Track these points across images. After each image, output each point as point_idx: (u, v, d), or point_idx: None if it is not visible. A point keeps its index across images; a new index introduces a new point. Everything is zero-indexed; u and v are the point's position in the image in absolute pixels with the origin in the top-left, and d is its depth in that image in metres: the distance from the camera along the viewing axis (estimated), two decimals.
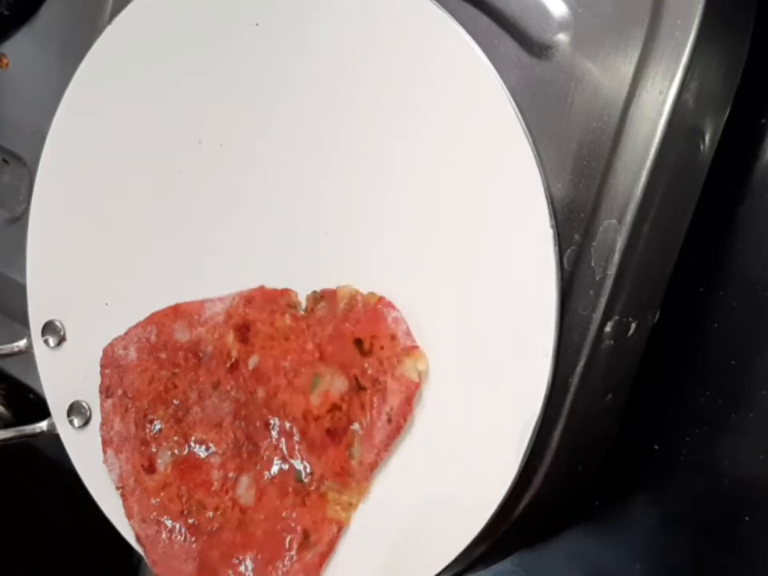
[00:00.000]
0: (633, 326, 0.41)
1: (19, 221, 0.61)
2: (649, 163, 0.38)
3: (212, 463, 0.46)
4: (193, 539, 0.46)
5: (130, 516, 0.48)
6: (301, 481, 0.43)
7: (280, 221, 0.45)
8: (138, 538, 0.48)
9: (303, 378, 0.43)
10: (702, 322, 0.46)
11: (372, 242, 0.43)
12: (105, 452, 0.49)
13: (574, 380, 0.40)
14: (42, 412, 0.53)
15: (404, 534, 0.42)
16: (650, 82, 0.38)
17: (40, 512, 0.59)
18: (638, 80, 0.38)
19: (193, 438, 0.46)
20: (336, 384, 0.42)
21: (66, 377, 0.51)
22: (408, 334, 0.41)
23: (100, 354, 0.50)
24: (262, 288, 0.45)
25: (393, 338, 0.41)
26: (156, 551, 0.47)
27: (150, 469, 0.47)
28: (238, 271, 0.46)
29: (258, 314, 0.45)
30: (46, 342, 0.52)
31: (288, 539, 0.44)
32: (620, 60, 0.38)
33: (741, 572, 0.46)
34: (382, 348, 0.41)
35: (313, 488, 0.43)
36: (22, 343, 0.54)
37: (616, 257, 0.38)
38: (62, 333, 0.52)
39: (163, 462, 0.47)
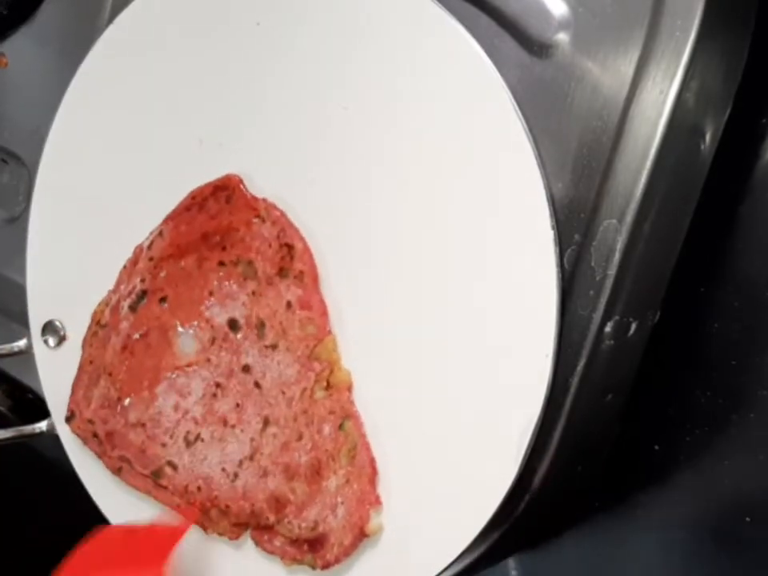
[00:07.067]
0: (633, 326, 0.41)
1: (18, 221, 0.61)
2: (649, 163, 0.38)
3: None
4: None
5: None
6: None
7: None
8: None
9: None
10: (702, 322, 0.45)
11: (369, 242, 0.43)
12: None
13: (574, 380, 0.39)
14: (42, 412, 0.53)
15: (404, 534, 0.42)
16: (650, 82, 0.38)
17: (40, 512, 0.59)
18: (639, 79, 0.38)
19: None
20: None
21: (65, 377, 0.51)
22: None
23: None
24: None
25: None
26: None
27: None
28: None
29: None
30: (45, 342, 0.52)
31: None
32: (620, 59, 0.38)
33: (741, 572, 0.46)
34: None
35: None
36: (22, 343, 0.54)
37: (616, 257, 0.38)
38: (61, 333, 0.52)
39: None
